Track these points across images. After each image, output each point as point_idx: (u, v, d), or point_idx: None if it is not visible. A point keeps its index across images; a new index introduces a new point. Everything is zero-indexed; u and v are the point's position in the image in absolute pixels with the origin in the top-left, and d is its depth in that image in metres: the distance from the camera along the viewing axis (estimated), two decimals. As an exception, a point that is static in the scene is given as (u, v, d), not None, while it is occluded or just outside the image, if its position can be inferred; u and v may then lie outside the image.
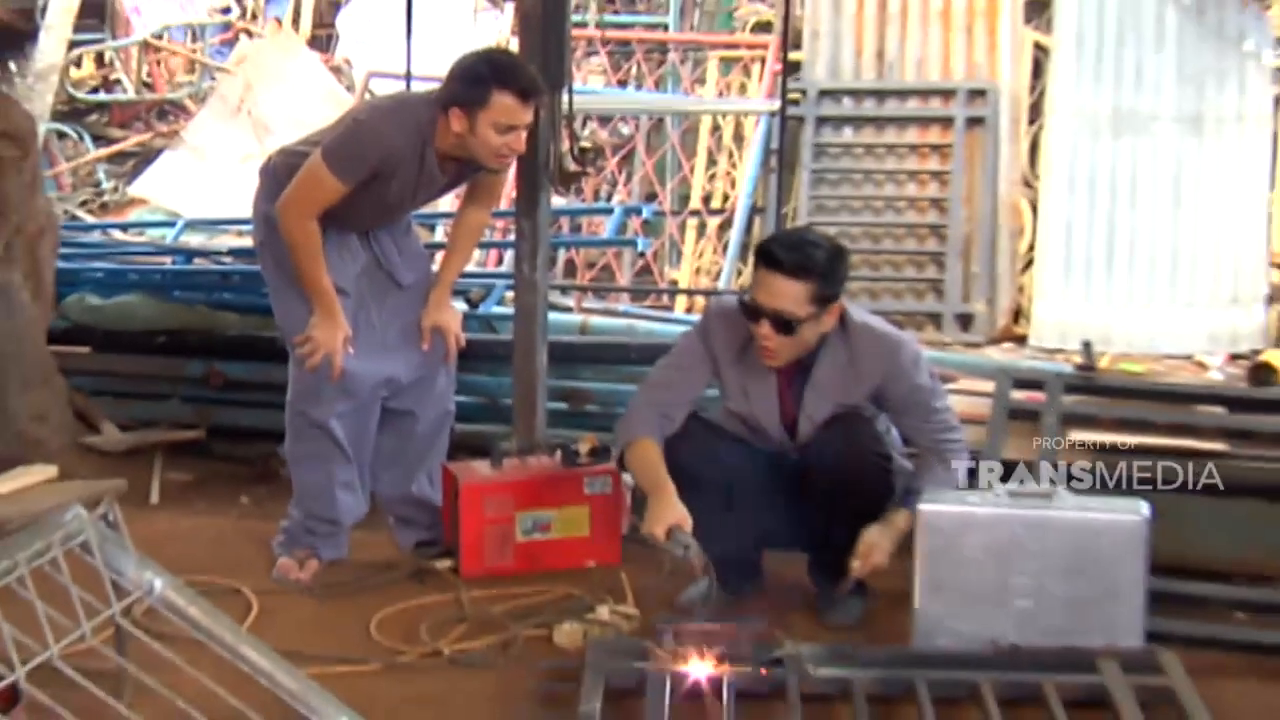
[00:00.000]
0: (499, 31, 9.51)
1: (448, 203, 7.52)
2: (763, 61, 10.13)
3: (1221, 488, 4.85)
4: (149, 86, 10.84)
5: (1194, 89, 8.87)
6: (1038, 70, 9.32)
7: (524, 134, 4.73)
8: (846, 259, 4.51)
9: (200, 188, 9.73)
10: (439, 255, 5.28)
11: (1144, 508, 4.18)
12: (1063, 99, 9.00)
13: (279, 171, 4.86)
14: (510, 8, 5.90)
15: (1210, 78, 8.85)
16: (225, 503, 5.91)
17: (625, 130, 10.19)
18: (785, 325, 4.40)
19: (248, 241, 8.29)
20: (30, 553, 3.07)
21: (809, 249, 4.40)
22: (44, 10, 10.87)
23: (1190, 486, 4.85)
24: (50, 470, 4.73)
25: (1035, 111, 9.28)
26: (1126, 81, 8.93)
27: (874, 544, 4.43)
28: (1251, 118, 8.80)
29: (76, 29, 10.89)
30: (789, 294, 4.37)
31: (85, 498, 4.57)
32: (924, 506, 4.24)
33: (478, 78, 4.65)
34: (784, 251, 4.40)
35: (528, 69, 4.77)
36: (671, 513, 4.38)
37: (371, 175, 4.68)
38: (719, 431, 4.70)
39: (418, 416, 5.08)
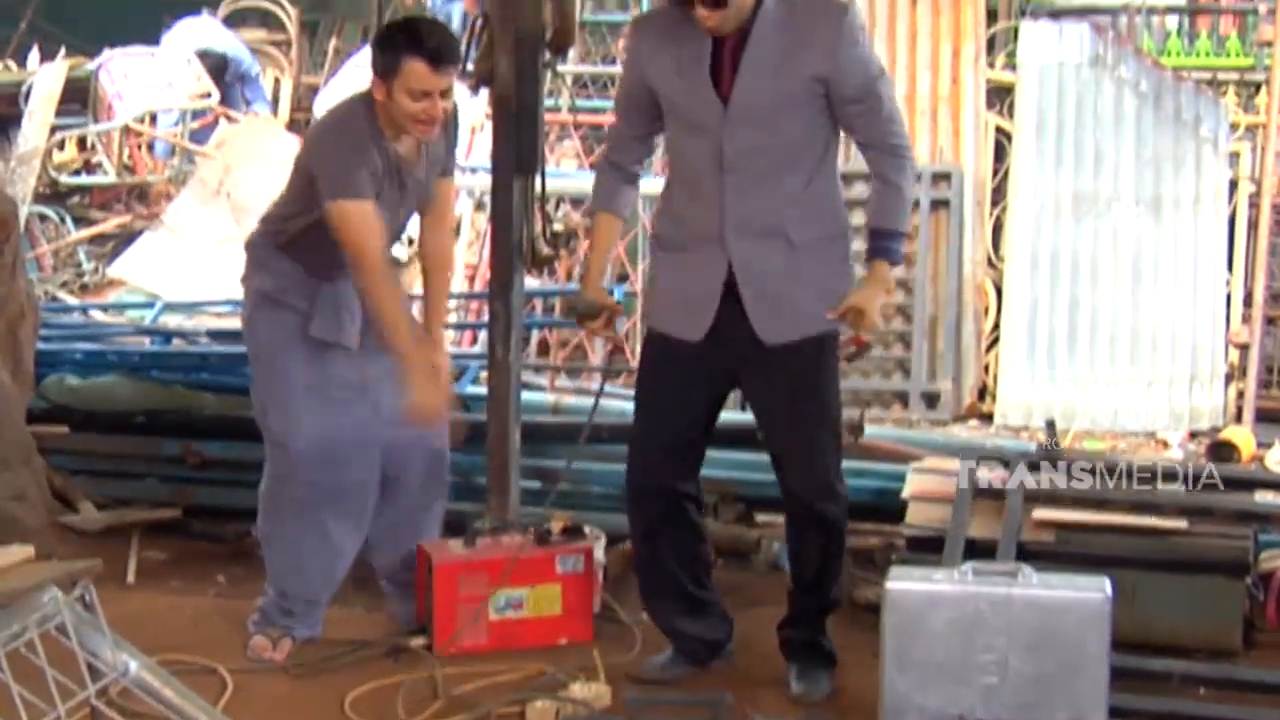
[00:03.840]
0: (474, 115, 9.59)
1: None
2: (733, 144, 10.19)
3: (1182, 564, 4.94)
4: (129, 169, 10.87)
5: (1152, 172, 8.95)
6: (1000, 154, 9.39)
7: (440, 102, 4.69)
8: None
9: (179, 269, 9.72)
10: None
11: (1106, 585, 4.19)
12: (1025, 182, 9.08)
13: (258, 242, 4.93)
14: (485, 93, 5.98)
15: (1168, 162, 8.93)
16: (201, 581, 5.89)
17: (598, 212, 10.25)
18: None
19: (225, 323, 8.32)
20: (6, 635, 3.11)
21: None
22: (27, 95, 10.92)
23: (1152, 563, 4.94)
24: (27, 550, 4.72)
25: (998, 194, 9.33)
26: (1086, 165, 9.01)
27: (860, 309, 4.43)
28: (1208, 200, 8.87)
29: (59, 113, 10.90)
30: None
31: (61, 579, 4.57)
32: (890, 584, 4.24)
33: (391, 45, 4.67)
34: None
35: (441, 34, 4.74)
36: (587, 295, 4.74)
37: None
38: (696, 530, 4.79)
39: (413, 483, 5.09)
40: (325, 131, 4.90)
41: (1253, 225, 8.92)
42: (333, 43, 13.54)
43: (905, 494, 5.47)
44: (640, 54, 4.64)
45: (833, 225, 4.58)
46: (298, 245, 4.88)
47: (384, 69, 4.66)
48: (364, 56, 11.16)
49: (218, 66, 11.75)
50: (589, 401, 6.78)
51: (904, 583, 4.27)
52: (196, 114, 11.19)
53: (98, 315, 8.68)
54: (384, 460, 5.00)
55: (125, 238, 10.34)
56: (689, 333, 4.59)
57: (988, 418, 8.84)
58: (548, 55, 5.31)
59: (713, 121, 4.48)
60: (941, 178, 9.25)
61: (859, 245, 4.72)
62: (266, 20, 13.28)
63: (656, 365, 4.70)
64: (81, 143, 11.08)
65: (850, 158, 7.33)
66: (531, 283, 7.47)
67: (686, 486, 4.75)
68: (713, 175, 4.51)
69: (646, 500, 4.74)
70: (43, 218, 10.45)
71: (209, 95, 11.30)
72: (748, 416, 4.83)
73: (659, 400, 4.68)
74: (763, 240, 4.49)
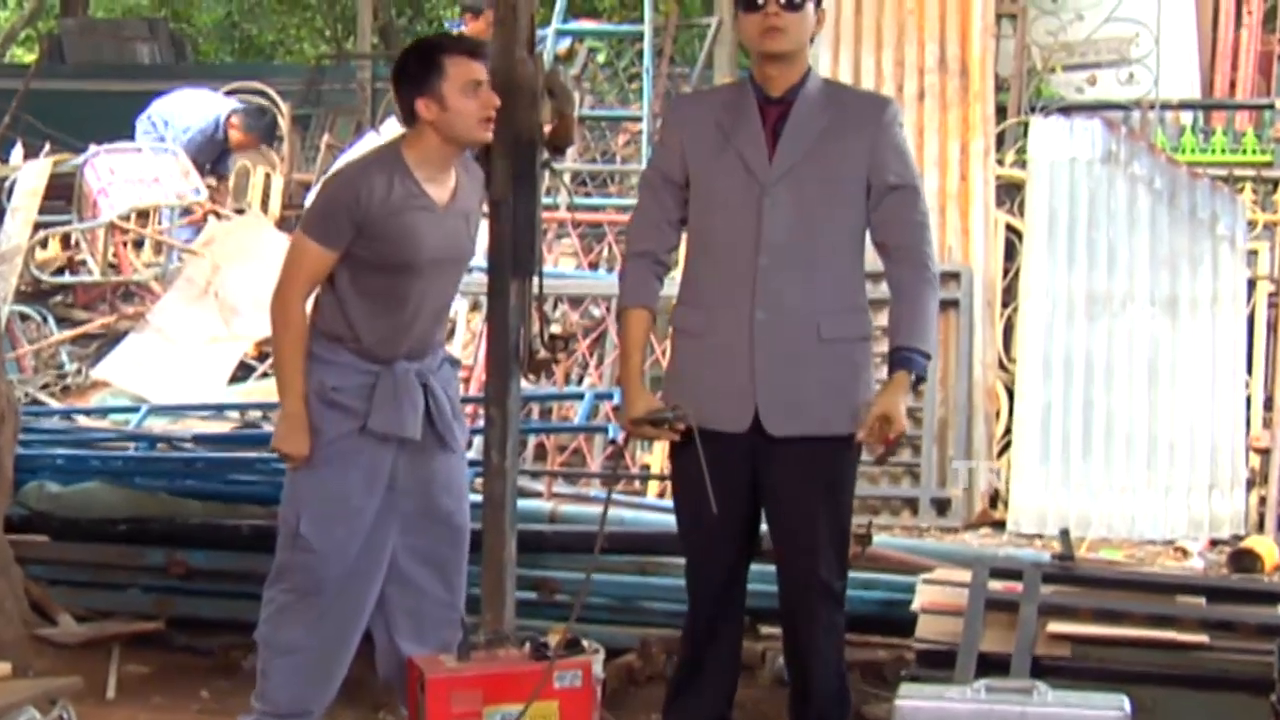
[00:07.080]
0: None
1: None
2: (734, 243, 10.14)
3: (1203, 681, 4.87)
4: (114, 268, 10.84)
5: (1168, 272, 8.89)
6: (1011, 253, 9.36)
7: (488, 89, 4.70)
8: None
9: (165, 371, 9.69)
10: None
11: (1125, 702, 4.15)
12: (1036, 281, 9.02)
13: (310, 338, 4.82)
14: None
15: (1184, 260, 8.88)
16: (184, 696, 5.78)
17: (596, 312, 10.17)
18: (792, 2, 4.41)
19: (211, 427, 8.26)
20: (-18, 759, 3.03)
21: None
22: (10, 192, 10.91)
23: (1171, 680, 4.87)
24: (4, 667, 4.66)
25: (1009, 294, 9.30)
26: (1100, 264, 8.95)
27: (888, 416, 4.42)
28: (1226, 300, 8.82)
29: (43, 210, 10.96)
30: None
31: (38, 698, 4.50)
32: (901, 702, 4.21)
33: (423, 59, 4.67)
34: None
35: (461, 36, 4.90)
36: (641, 400, 4.58)
37: (356, 232, 4.61)
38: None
39: (440, 580, 5.03)
40: (338, 172, 4.89)
41: (1272, 326, 8.94)
42: (325, 138, 13.66)
43: (915, 606, 5.40)
44: (679, 131, 4.66)
45: (862, 327, 4.60)
46: (351, 320, 4.77)
47: (426, 85, 4.64)
48: (357, 150, 11.18)
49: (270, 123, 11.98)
50: (587, 509, 6.72)
51: (915, 700, 4.25)
52: (184, 211, 11.21)
53: (80, 419, 8.67)
54: (414, 565, 4.98)
55: (110, 338, 10.36)
56: (732, 424, 4.53)
57: (1000, 525, 8.75)
58: (546, 154, 5.21)
59: (752, 197, 4.48)
60: (951, 277, 9.14)
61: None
62: (259, 116, 13.39)
63: (694, 463, 4.54)
64: (65, 240, 11.10)
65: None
66: (528, 386, 7.38)
67: (740, 597, 4.76)
68: (748, 255, 4.49)
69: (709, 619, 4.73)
70: (24, 317, 10.47)
71: (197, 192, 11.30)
72: None
73: (705, 500, 4.52)
74: (793, 329, 4.47)
